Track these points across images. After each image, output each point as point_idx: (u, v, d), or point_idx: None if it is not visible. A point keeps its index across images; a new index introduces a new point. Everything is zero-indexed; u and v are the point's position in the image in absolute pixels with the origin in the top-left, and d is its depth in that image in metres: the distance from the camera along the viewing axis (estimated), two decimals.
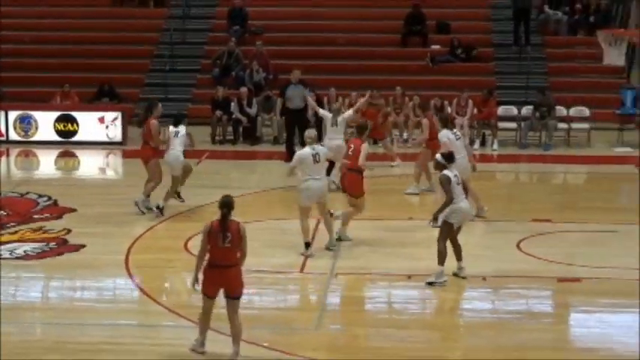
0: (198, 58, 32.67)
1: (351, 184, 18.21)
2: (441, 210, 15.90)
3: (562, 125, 27.97)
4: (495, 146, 27.44)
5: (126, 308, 15.25)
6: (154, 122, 19.94)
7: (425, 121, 21.26)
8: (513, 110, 28.76)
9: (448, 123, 20.04)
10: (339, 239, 18.07)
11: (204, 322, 12.94)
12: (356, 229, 18.79)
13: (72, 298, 15.63)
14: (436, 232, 16.41)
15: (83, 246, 17.89)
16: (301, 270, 16.70)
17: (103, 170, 26.26)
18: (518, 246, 17.89)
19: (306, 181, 17.13)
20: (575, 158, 25.76)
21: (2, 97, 29.36)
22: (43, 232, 18.75)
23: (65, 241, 18.20)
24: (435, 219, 16.12)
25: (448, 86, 29.24)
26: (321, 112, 22.26)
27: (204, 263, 12.72)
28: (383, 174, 23.29)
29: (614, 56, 25.98)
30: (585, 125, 28.16)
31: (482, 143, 27.84)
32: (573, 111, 28.53)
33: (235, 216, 18.11)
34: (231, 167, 24.35)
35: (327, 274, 16.40)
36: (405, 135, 27.95)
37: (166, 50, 32.52)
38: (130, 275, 16.39)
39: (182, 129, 20.20)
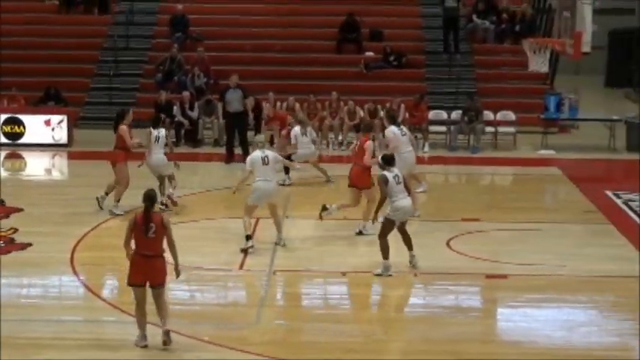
0: (141, 64, 32.49)
1: (358, 177, 18.63)
2: (377, 208, 16.20)
3: (489, 129, 28.15)
4: (426, 149, 27.54)
5: (71, 305, 15.14)
6: (123, 128, 19.96)
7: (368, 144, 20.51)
8: (443, 114, 28.89)
9: (395, 120, 20.50)
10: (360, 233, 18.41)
11: (141, 315, 12.93)
12: (293, 227, 18.83)
13: (19, 295, 15.48)
14: (370, 230, 16.48)
15: (30, 244, 17.73)
16: (240, 267, 16.67)
17: (49, 171, 26.06)
18: (448, 244, 17.98)
19: (256, 183, 17.28)
20: (502, 160, 25.94)
21: None
22: None
23: (12, 240, 18.03)
24: (375, 217, 16.41)
25: (381, 91, 29.29)
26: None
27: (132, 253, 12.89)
28: (315, 175, 23.30)
29: (539, 63, 26.11)
30: (511, 129, 28.36)
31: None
32: (500, 115, 28.72)
33: (179, 215, 18.13)
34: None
35: (265, 271, 16.38)
36: (340, 137, 27.94)
37: (111, 56, 32.30)
38: (75, 273, 16.27)
39: (162, 132, 20.26)
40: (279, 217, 17.99)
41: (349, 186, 18.97)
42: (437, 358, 12.92)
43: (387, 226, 16.14)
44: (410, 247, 16.48)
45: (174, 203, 20.01)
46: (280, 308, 15.36)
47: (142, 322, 12.94)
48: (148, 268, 12.80)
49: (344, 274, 16.26)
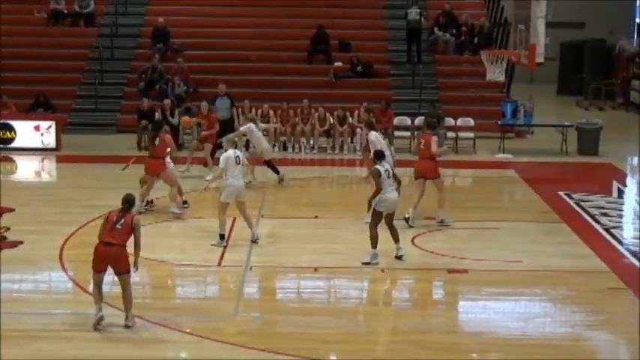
0: (125, 73, 32.35)
1: (428, 169, 19.55)
2: (372, 198, 16.41)
3: (450, 134, 28.17)
4: (392, 152, 27.49)
5: (60, 299, 15.08)
6: (169, 137, 19.92)
7: (434, 139, 20.24)
8: (407, 121, 28.88)
9: (374, 126, 21.07)
10: (442, 222, 19.19)
11: (98, 294, 13.38)
12: (266, 226, 18.82)
13: (10, 289, 15.36)
14: (335, 229, 16.51)
15: (21, 242, 17.62)
16: (219, 264, 16.63)
17: (38, 174, 25.90)
18: (412, 241, 17.98)
19: (228, 180, 17.28)
20: (462, 163, 25.97)
21: None
22: None
23: (4, 238, 17.92)
24: (368, 210, 16.60)
25: (350, 99, 29.27)
26: (243, 128, 22.47)
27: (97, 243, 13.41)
28: (293, 177, 23.29)
29: (496, 73, 26.16)
30: (471, 134, 28.41)
31: None
32: (460, 121, 28.74)
33: (159, 216, 18.08)
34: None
35: (242, 267, 16.34)
36: (311, 142, 27.91)
37: (96, 65, 32.14)
38: (64, 269, 16.19)
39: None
40: (249, 214, 17.92)
41: (417, 178, 19.69)
42: (403, 348, 12.93)
43: (376, 217, 16.42)
44: (397, 240, 16.72)
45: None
46: (256, 302, 15.33)
47: (98, 301, 13.38)
48: (110, 256, 13.26)
49: (316, 269, 16.25)
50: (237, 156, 17.46)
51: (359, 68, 31.81)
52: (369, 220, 16.71)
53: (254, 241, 17.65)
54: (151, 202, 20.13)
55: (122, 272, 13.37)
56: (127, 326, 13.31)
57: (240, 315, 14.27)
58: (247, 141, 25.11)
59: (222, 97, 25.47)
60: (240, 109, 27.26)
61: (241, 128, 22.75)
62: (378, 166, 16.55)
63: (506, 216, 20.56)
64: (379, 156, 16.91)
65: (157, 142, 19.64)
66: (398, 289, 15.89)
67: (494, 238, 18.73)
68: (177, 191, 19.70)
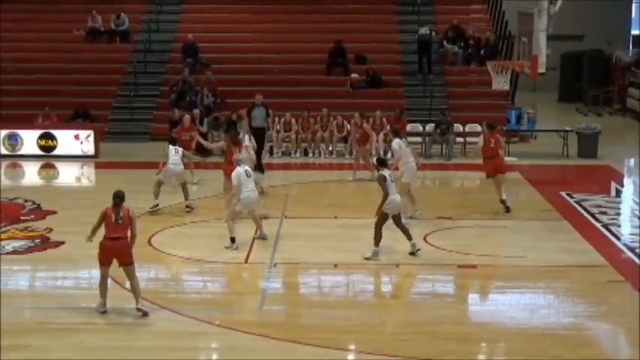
0: (157, 86, 32.41)
1: (502, 165, 20.64)
2: (382, 204, 16.43)
3: (459, 139, 28.11)
4: (416, 158, 27.43)
5: (99, 294, 15.07)
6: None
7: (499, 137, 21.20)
8: (419, 127, 28.80)
9: (399, 133, 20.51)
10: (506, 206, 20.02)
11: (103, 285, 13.76)
12: (289, 226, 18.82)
13: (53, 286, 15.43)
14: (355, 228, 16.52)
15: (63, 242, 17.69)
16: (246, 261, 16.63)
17: (78, 179, 25.95)
18: (425, 239, 17.92)
19: (245, 193, 17.16)
20: (471, 166, 25.86)
21: None
22: (29, 231, 18.50)
23: (48, 239, 17.99)
24: (378, 214, 16.59)
25: (365, 108, 29.17)
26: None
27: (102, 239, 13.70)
28: (314, 180, 23.29)
29: (501, 82, 26.10)
30: (478, 139, 28.27)
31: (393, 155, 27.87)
32: (468, 127, 28.66)
33: (190, 217, 18.14)
34: (186, 175, 24.08)
35: (267, 263, 16.34)
36: (330, 147, 27.87)
37: (131, 79, 32.24)
38: None
39: (178, 147, 20.46)
40: (257, 215, 17.87)
41: (491, 176, 20.56)
42: (417, 338, 12.90)
43: (382, 218, 16.46)
44: (410, 237, 16.75)
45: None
46: (280, 296, 15.32)
47: (103, 292, 13.75)
48: (115, 249, 13.56)
49: (336, 265, 16.23)
50: (247, 170, 17.40)
51: (374, 79, 31.75)
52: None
53: (264, 238, 17.70)
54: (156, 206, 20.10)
55: (128, 264, 13.70)
56: (139, 310, 13.61)
57: (265, 308, 14.27)
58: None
59: (259, 107, 25.36)
60: (298, 119, 27.55)
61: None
62: (383, 172, 16.52)
63: (512, 215, 20.44)
64: (382, 162, 16.99)
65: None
66: (411, 284, 15.84)
67: (500, 235, 18.69)
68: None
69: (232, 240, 17.20)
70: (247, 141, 21.35)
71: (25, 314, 13.97)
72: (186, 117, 24.49)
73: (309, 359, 12.26)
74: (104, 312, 13.62)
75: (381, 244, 16.44)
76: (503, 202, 20.17)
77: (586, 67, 39.60)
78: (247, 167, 17.70)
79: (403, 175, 19.44)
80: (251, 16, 35.63)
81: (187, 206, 20.22)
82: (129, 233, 13.76)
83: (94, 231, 13.84)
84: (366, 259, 16.35)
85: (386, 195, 16.36)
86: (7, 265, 16.32)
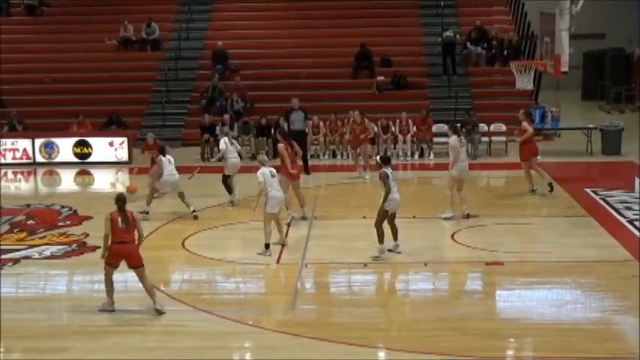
0: (188, 92, 32.51)
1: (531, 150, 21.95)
2: (384, 201, 16.37)
3: (484, 139, 28.01)
4: (431, 157, 27.47)
5: (135, 296, 15.05)
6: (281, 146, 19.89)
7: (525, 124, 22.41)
8: (444, 128, 28.62)
9: (457, 131, 20.16)
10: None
11: (110, 285, 13.97)
12: (320, 227, 18.82)
13: (91, 289, 15.50)
14: (386, 227, 16.47)
15: (99, 247, 17.58)
16: (278, 262, 16.64)
17: (113, 185, 26.06)
18: (452, 237, 17.91)
19: (271, 192, 17.04)
20: (496, 165, 25.78)
21: (25, 127, 29.15)
22: (66, 236, 18.61)
23: (84, 243, 18.08)
24: (381, 211, 16.47)
25: (391, 110, 29.19)
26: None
27: (109, 242, 13.84)
28: (342, 182, 23.26)
29: (524, 82, 25.94)
30: (503, 138, 28.19)
31: (421, 155, 27.85)
32: (493, 127, 28.57)
33: (223, 220, 18.19)
34: (218, 180, 24.11)
35: (298, 264, 16.34)
36: (358, 150, 27.81)
37: (162, 86, 32.36)
38: None
39: (170, 157, 20.44)
40: (280, 220, 17.75)
41: (528, 159, 21.88)
42: (446, 334, 12.87)
43: (383, 215, 16.38)
44: (395, 237, 16.71)
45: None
46: (312, 295, 15.33)
47: (110, 291, 13.98)
48: (124, 252, 13.73)
49: (365, 265, 16.20)
50: (271, 170, 17.24)
51: (399, 81, 31.72)
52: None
53: (283, 244, 17.46)
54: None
55: (138, 266, 13.86)
56: (157, 310, 13.75)
57: (297, 308, 14.27)
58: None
59: (297, 111, 25.35)
60: (325, 122, 27.72)
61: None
62: (386, 169, 16.47)
63: (537, 212, 20.40)
64: (385, 160, 16.88)
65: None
66: (440, 281, 15.80)
67: (526, 232, 18.62)
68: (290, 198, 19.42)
69: (267, 246, 16.95)
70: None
71: (64, 317, 14.06)
72: (150, 134, 24.31)
73: (341, 358, 12.24)
74: (112, 311, 13.84)
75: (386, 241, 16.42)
76: (550, 184, 21.66)
77: (608, 65, 39.31)
78: (271, 168, 17.55)
79: (453, 169, 19.57)
80: (278, 22, 35.71)
81: (193, 212, 20.00)
82: (136, 235, 13.97)
83: (107, 239, 13.84)
84: (374, 258, 16.30)
85: (388, 192, 16.27)
86: (45, 270, 16.45)
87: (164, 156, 20.25)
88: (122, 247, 13.73)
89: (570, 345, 12.47)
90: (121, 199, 14.06)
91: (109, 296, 13.97)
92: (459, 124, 21.48)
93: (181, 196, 20.11)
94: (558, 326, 13.18)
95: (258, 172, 17.19)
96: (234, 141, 21.00)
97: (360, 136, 24.92)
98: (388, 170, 16.51)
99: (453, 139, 19.68)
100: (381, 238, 16.39)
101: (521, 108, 28.74)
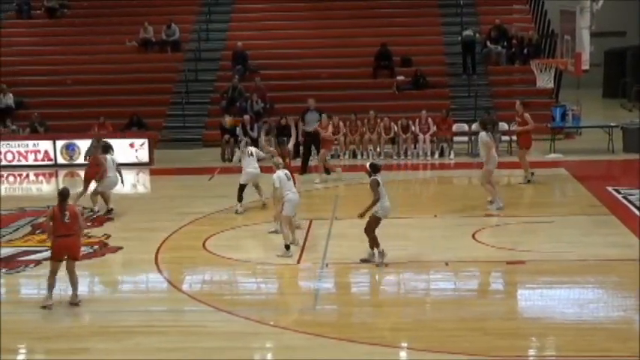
0: (208, 93, 32.61)
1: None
2: (369, 207, 16.10)
3: (505, 138, 27.90)
4: (452, 156, 27.43)
5: (156, 297, 15.17)
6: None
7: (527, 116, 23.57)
8: (465, 127, 28.68)
9: (486, 126, 20.70)
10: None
11: (52, 280, 14.19)
12: (340, 227, 18.79)
13: (112, 290, 15.54)
14: (402, 227, 16.43)
15: (120, 248, 17.83)
16: (298, 262, 16.63)
17: (134, 186, 26.14)
18: (473, 236, 17.84)
19: (287, 195, 17.06)
20: (517, 164, 25.58)
21: (47, 129, 29.27)
22: (88, 238, 18.63)
23: (106, 244, 18.13)
24: (363, 215, 16.23)
25: (411, 109, 29.15)
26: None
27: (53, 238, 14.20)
28: (361, 181, 23.18)
29: (545, 80, 25.91)
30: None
31: (441, 154, 27.81)
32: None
33: (243, 220, 18.18)
34: (238, 180, 24.21)
35: (319, 264, 16.32)
36: (378, 149, 27.86)
37: (183, 87, 32.46)
38: (159, 270, 16.31)
39: (114, 157, 20.82)
40: (292, 221, 17.66)
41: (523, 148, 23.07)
42: (468, 334, 12.82)
43: (374, 222, 16.15)
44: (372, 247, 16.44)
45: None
46: (332, 295, 15.28)
47: (52, 286, 14.21)
48: (68, 245, 14.06)
49: (386, 265, 16.16)
50: (286, 173, 17.27)
51: (419, 81, 31.69)
52: (273, 229, 17.80)
53: (295, 244, 17.38)
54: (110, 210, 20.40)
55: (77, 259, 14.32)
56: (72, 303, 14.21)
57: (318, 308, 14.25)
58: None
59: (312, 111, 25.38)
60: (346, 122, 27.74)
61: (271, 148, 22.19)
62: (376, 177, 16.10)
63: (559, 210, 20.31)
64: (376, 168, 16.34)
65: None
66: (461, 281, 15.72)
67: (548, 231, 18.51)
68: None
69: (287, 247, 16.91)
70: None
71: (86, 318, 14.08)
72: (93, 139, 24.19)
73: (364, 358, 12.21)
74: (50, 305, 14.12)
75: (381, 246, 16.18)
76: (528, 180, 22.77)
77: (629, 63, 39.18)
78: (286, 170, 17.54)
79: (488, 163, 20.02)
80: (298, 23, 35.77)
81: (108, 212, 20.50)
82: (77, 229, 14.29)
83: (50, 232, 14.27)
84: (377, 265, 16.06)
85: (376, 200, 16.04)
86: (66, 271, 16.43)
87: (109, 154, 20.27)
88: (66, 240, 14.07)
89: (592, 344, 12.39)
90: (62, 194, 14.23)
91: (50, 291, 14.23)
92: (479, 123, 21.55)
93: (105, 196, 20.51)
94: (580, 325, 13.10)
95: (274, 176, 17.19)
96: (254, 151, 20.58)
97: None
98: (379, 177, 16.15)
99: (484, 135, 20.02)
100: (373, 244, 16.13)
101: (542, 106, 28.86)
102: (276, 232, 17.96)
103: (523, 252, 16.77)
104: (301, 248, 17.28)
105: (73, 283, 14.32)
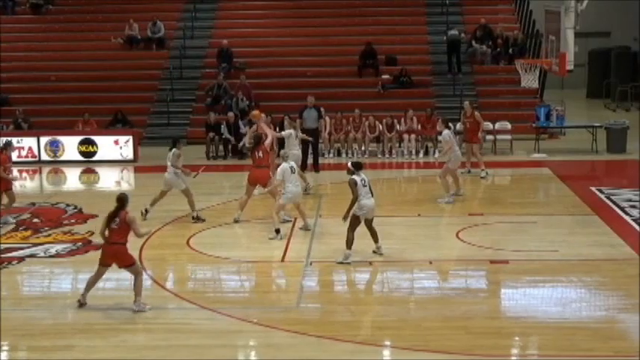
0: (193, 90, 32.55)
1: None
2: (350, 208, 16.14)
3: (489, 137, 27.99)
4: (437, 155, 27.45)
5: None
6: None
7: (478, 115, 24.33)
8: (450, 126, 28.64)
9: (449, 124, 21.57)
10: None
11: (92, 279, 14.17)
12: (324, 225, 18.82)
13: (96, 287, 15.43)
14: (387, 225, 16.45)
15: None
16: (282, 260, 16.66)
17: (118, 183, 26.12)
18: (457, 235, 17.90)
19: (289, 187, 17.77)
20: (501, 163, 25.78)
21: (30, 125, 29.19)
22: (72, 235, 18.64)
23: (90, 242, 18.09)
24: (346, 217, 16.25)
25: (396, 108, 29.19)
26: (284, 133, 22.01)
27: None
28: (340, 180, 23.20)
29: (529, 80, 25.95)
30: (508, 137, 28.22)
31: (426, 153, 27.85)
32: (498, 125, 28.57)
33: (227, 218, 18.14)
34: (222, 178, 24.24)
35: (303, 262, 16.36)
36: (363, 148, 27.90)
37: (167, 84, 32.38)
38: (143, 267, 16.25)
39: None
40: (303, 209, 18.56)
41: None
42: (451, 333, 12.87)
43: (354, 222, 16.20)
44: (376, 240, 16.60)
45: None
46: (316, 293, 15.32)
47: (89, 285, 14.18)
48: (113, 252, 13.84)
49: (370, 263, 16.21)
50: (292, 166, 17.94)
51: (404, 79, 31.73)
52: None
53: (307, 229, 18.17)
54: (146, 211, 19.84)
55: (127, 266, 13.94)
56: (134, 310, 13.78)
57: (302, 306, 14.29)
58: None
59: (310, 109, 25.36)
60: (331, 120, 27.81)
61: (283, 133, 22.12)
62: (355, 176, 16.14)
63: (543, 210, 20.40)
64: (356, 166, 16.41)
65: (259, 154, 19.20)
66: (444, 279, 15.79)
67: (531, 230, 18.58)
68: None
69: (277, 231, 17.74)
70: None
71: (69, 315, 14.06)
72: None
73: (347, 357, 12.25)
74: (85, 304, 14.05)
75: (353, 247, 16.21)
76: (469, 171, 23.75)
77: (613, 63, 39.30)
78: (292, 164, 18.15)
79: (451, 161, 20.69)
80: (283, 21, 35.76)
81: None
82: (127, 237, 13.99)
83: (103, 234, 14.05)
84: (338, 263, 16.12)
85: (355, 199, 16.03)
86: (50, 268, 16.48)
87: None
88: (111, 248, 13.89)
89: (575, 344, 12.46)
90: (120, 200, 14.05)
91: (87, 293, 14.17)
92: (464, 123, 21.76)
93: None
94: (563, 325, 13.17)
95: (279, 169, 17.92)
96: (295, 168, 19.15)
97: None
98: (358, 177, 16.14)
99: (447, 133, 20.99)
100: (349, 244, 16.14)
101: (526, 106, 29.05)
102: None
103: (507, 251, 16.84)
104: (285, 246, 17.31)
105: (134, 288, 13.97)
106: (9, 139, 21.94)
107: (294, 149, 21.40)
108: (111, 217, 13.83)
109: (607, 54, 39.61)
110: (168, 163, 19.63)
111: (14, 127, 29.03)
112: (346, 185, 16.30)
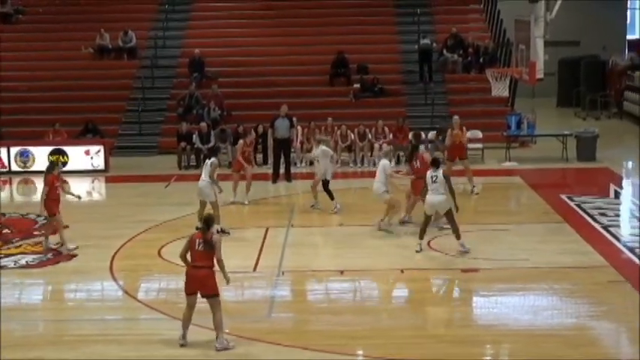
0: (165, 100, 32.45)
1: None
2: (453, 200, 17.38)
3: (475, 145, 27.87)
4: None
5: (112, 306, 15.11)
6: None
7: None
8: (421, 135, 28.73)
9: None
10: None
11: (186, 314, 12.94)
12: (296, 234, 18.81)
13: (67, 299, 15.45)
14: (359, 235, 16.44)
15: (75, 256, 17.71)
16: (254, 269, 16.64)
17: (89, 193, 25.97)
18: (428, 244, 17.92)
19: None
20: (473, 172, 25.83)
21: (1, 136, 29.03)
22: (42, 246, 18.51)
23: (60, 253, 17.98)
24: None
25: (368, 117, 29.22)
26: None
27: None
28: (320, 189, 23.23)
29: (500, 89, 26.07)
30: (479, 145, 28.27)
31: (398, 162, 27.86)
32: (469, 134, 28.50)
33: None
34: (194, 188, 24.09)
35: (275, 272, 16.34)
36: (335, 157, 27.86)
37: (139, 94, 32.28)
38: (115, 278, 16.23)
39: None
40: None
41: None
42: (423, 341, 12.89)
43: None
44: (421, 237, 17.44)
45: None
46: (288, 303, 15.32)
47: (185, 323, 12.93)
48: (196, 277, 12.71)
49: (342, 272, 16.23)
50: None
51: (376, 89, 31.80)
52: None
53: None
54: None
55: (208, 296, 12.78)
56: (216, 348, 12.75)
57: (273, 315, 14.27)
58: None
59: (283, 118, 25.34)
60: (303, 129, 27.62)
61: (316, 152, 21.51)
62: (431, 172, 17.34)
63: (514, 218, 20.50)
64: (433, 162, 17.67)
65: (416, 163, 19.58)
66: (416, 288, 15.81)
67: (502, 238, 18.65)
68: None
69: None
70: None
71: (40, 327, 13.99)
72: None
73: None
74: (183, 345, 12.84)
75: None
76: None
77: (583, 72, 39.55)
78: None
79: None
80: (255, 30, 35.72)
81: None
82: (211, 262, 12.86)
83: (184, 257, 12.94)
84: (463, 252, 17.03)
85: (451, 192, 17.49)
86: (20, 279, 16.36)
87: None
88: (194, 272, 12.75)
89: (546, 351, 12.53)
90: (205, 221, 13.06)
91: (184, 331, 12.93)
92: (436, 131, 21.75)
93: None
94: (534, 332, 13.24)
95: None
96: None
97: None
98: (431, 173, 17.51)
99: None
100: (456, 233, 17.25)
101: (497, 114, 29.23)
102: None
103: (478, 259, 16.89)
104: (257, 256, 17.28)
105: (214, 323, 12.82)
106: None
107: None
108: (197, 238, 12.78)
109: (577, 63, 39.87)
110: (204, 173, 19.32)
111: None
112: (319, 194, 16.31)
